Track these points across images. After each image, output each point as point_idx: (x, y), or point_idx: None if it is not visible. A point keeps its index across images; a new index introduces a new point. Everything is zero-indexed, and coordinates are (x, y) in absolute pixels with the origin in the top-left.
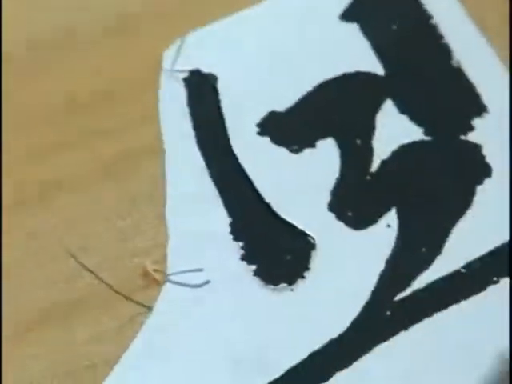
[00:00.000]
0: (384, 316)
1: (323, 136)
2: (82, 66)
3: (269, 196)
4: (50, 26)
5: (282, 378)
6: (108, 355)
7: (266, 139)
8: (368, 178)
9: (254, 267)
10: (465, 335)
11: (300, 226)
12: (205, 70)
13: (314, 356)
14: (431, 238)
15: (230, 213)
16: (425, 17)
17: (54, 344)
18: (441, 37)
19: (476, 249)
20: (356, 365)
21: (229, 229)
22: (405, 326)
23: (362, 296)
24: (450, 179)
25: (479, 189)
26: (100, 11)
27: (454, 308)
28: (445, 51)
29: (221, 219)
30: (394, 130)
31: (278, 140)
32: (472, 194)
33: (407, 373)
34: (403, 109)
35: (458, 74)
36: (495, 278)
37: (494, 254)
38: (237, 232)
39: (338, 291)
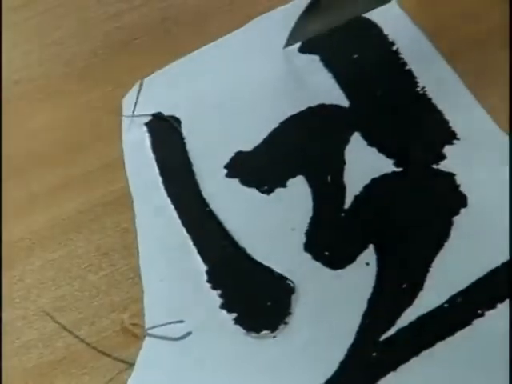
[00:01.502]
0: (370, 358)
1: (293, 174)
2: (40, 117)
3: (243, 240)
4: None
5: None
6: None
7: (236, 181)
8: (342, 215)
9: (234, 315)
10: (454, 372)
11: (277, 270)
12: (166, 112)
13: None
14: (411, 273)
15: (206, 260)
16: (386, 44)
17: None
18: (404, 64)
19: (458, 282)
20: None
21: (206, 277)
22: (392, 366)
23: (347, 338)
24: (426, 211)
25: (456, 219)
26: (57, 60)
27: (440, 345)
28: (409, 78)
29: (197, 267)
30: (364, 164)
31: (247, 181)
32: (449, 224)
33: None
34: (371, 141)
35: (425, 102)
36: (480, 311)
37: (476, 285)
38: (214, 280)
39: (322, 334)
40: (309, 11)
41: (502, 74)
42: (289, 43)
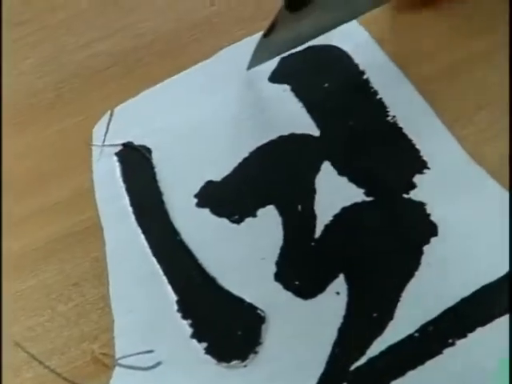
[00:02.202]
0: None
1: (264, 204)
2: (11, 146)
3: (214, 270)
4: None
5: None
6: None
7: (206, 211)
8: (312, 244)
9: (205, 345)
10: None
11: (248, 300)
12: (137, 142)
13: None
14: (382, 302)
15: (176, 290)
16: (356, 73)
17: None
18: (374, 93)
19: (429, 311)
20: None
21: (176, 307)
22: None
23: (317, 367)
24: (396, 240)
25: (426, 248)
26: (28, 89)
27: (411, 374)
28: (380, 107)
29: (167, 297)
30: (334, 193)
31: (217, 211)
32: (419, 254)
33: None
34: (342, 170)
35: (395, 131)
36: (451, 340)
37: (447, 314)
38: (184, 310)
39: (292, 364)
40: (268, 33)
41: (471, 102)
42: (251, 65)
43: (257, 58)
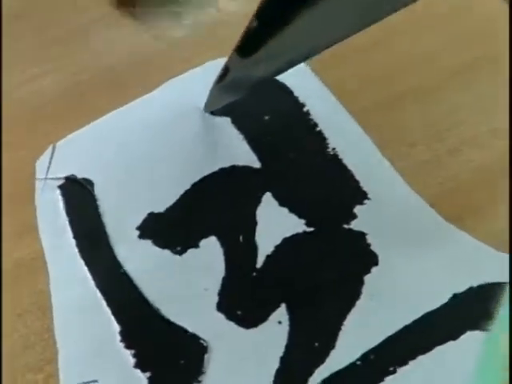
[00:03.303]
0: None
1: (205, 235)
2: None
3: (157, 301)
4: None
5: None
6: None
7: (148, 242)
8: (254, 274)
9: (148, 374)
10: None
11: (191, 330)
12: (80, 175)
13: None
14: (323, 332)
15: (119, 321)
16: (297, 106)
17: None
18: (314, 125)
19: (370, 339)
20: None
21: (119, 337)
22: None
23: None
24: (337, 270)
25: (367, 278)
26: None
27: None
28: (319, 139)
29: (110, 328)
30: (275, 224)
31: (160, 242)
32: (360, 283)
33: None
34: (283, 201)
35: (335, 162)
36: (392, 368)
37: (388, 342)
38: (127, 340)
39: None
40: (220, 81)
41: (409, 133)
42: (208, 109)
43: (212, 103)
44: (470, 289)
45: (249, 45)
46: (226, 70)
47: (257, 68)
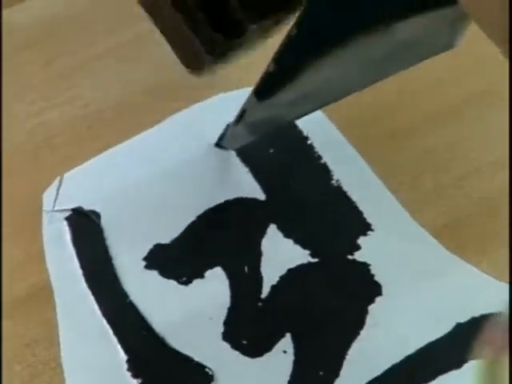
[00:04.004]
0: None
1: (211, 266)
2: None
3: (163, 331)
4: None
5: None
6: None
7: (155, 273)
8: (259, 304)
9: None
10: None
11: (197, 359)
12: (86, 207)
13: None
14: (328, 361)
15: (126, 350)
16: (301, 139)
17: None
18: (319, 157)
19: (374, 368)
20: None
21: (126, 366)
22: None
23: None
24: (341, 300)
25: (371, 307)
26: None
27: None
28: (323, 172)
29: (117, 357)
30: (280, 255)
31: (166, 273)
32: (364, 313)
33: None
34: (287, 233)
35: (339, 194)
36: None
37: (392, 371)
38: (134, 369)
39: None
40: (238, 122)
41: (414, 166)
42: (226, 147)
43: (231, 143)
44: (473, 318)
45: (266, 88)
46: (243, 112)
47: (273, 112)
